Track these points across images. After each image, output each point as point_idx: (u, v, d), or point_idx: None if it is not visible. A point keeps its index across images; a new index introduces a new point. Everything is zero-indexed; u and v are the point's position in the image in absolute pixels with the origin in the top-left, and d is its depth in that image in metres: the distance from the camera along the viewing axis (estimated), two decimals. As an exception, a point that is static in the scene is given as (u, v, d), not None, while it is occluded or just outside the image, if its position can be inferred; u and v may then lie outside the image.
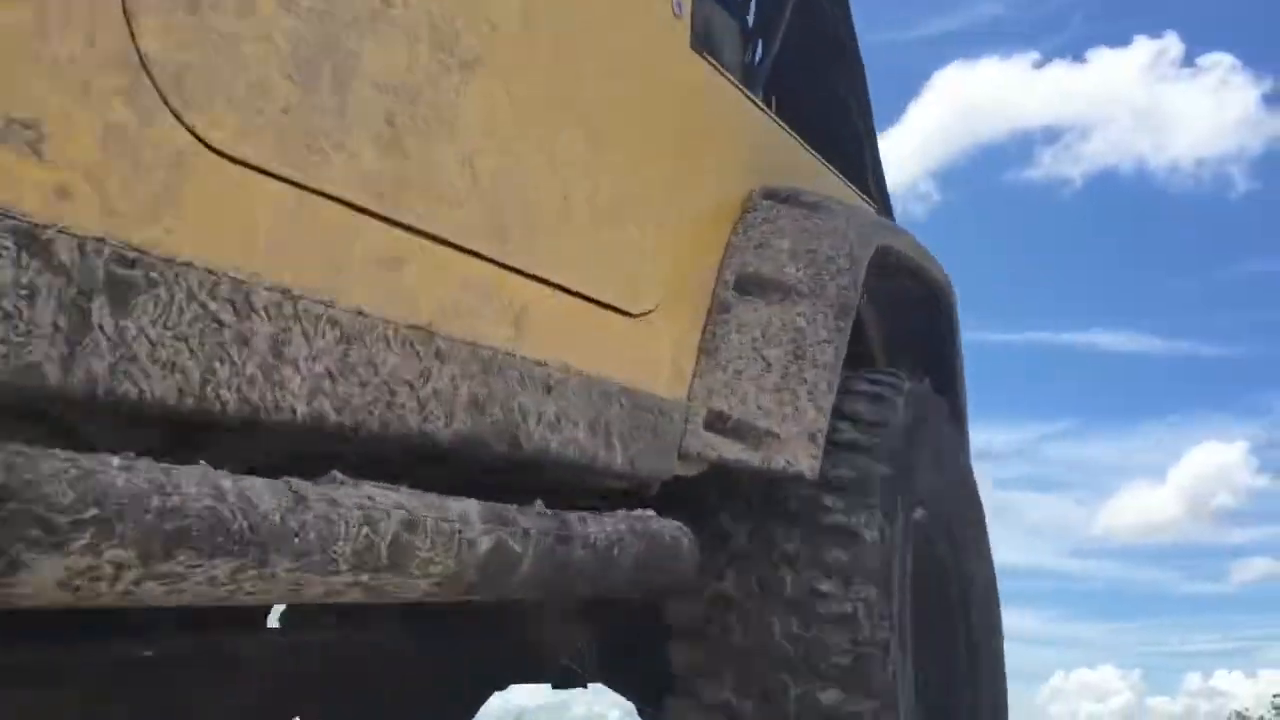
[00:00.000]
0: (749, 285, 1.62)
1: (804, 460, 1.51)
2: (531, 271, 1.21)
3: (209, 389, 0.85)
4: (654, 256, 1.45)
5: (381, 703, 2.26)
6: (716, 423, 1.50)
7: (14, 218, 0.72)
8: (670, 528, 1.39)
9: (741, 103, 1.80)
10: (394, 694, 2.23)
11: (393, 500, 0.97)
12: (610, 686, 2.31)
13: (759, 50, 2.30)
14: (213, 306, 0.85)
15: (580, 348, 1.28)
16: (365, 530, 0.93)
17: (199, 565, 0.80)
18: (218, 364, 0.85)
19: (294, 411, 0.92)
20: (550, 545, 1.14)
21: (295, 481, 0.90)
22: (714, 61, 1.70)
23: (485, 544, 1.06)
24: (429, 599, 1.05)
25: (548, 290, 1.24)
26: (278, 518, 0.85)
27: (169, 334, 0.82)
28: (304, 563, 0.87)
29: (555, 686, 2.39)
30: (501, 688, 2.47)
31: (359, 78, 1.01)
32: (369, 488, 0.96)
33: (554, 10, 1.29)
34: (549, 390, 1.21)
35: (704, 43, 1.69)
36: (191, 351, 0.84)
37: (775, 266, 1.63)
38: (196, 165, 0.86)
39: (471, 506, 1.06)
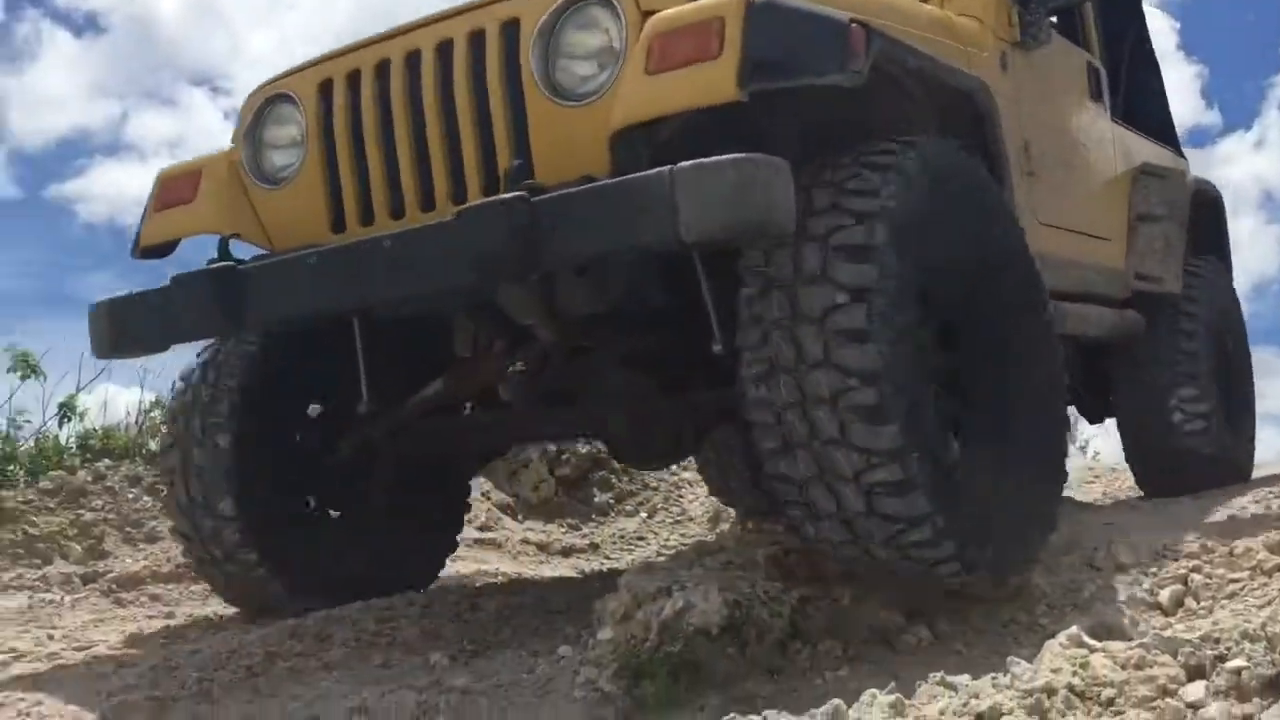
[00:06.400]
0: (1142, 218, 3.99)
1: (1176, 286, 4.13)
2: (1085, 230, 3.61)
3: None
4: (1111, 213, 3.87)
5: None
6: (1138, 277, 3.94)
7: None
8: (1134, 315, 3.93)
9: (1126, 133, 4.13)
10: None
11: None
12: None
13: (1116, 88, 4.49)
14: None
15: (1098, 254, 3.73)
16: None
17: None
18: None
19: None
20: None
21: None
22: (1117, 120, 4.02)
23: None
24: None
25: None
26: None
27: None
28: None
29: None
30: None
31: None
32: None
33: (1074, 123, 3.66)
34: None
35: (1098, 98, 3.87)
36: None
37: (1150, 207, 4.02)
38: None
39: None
